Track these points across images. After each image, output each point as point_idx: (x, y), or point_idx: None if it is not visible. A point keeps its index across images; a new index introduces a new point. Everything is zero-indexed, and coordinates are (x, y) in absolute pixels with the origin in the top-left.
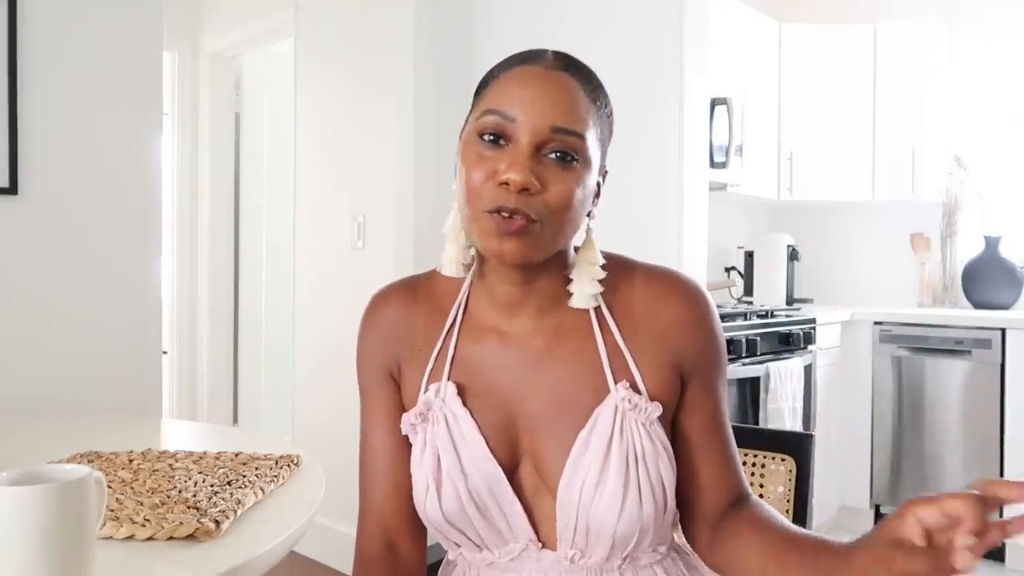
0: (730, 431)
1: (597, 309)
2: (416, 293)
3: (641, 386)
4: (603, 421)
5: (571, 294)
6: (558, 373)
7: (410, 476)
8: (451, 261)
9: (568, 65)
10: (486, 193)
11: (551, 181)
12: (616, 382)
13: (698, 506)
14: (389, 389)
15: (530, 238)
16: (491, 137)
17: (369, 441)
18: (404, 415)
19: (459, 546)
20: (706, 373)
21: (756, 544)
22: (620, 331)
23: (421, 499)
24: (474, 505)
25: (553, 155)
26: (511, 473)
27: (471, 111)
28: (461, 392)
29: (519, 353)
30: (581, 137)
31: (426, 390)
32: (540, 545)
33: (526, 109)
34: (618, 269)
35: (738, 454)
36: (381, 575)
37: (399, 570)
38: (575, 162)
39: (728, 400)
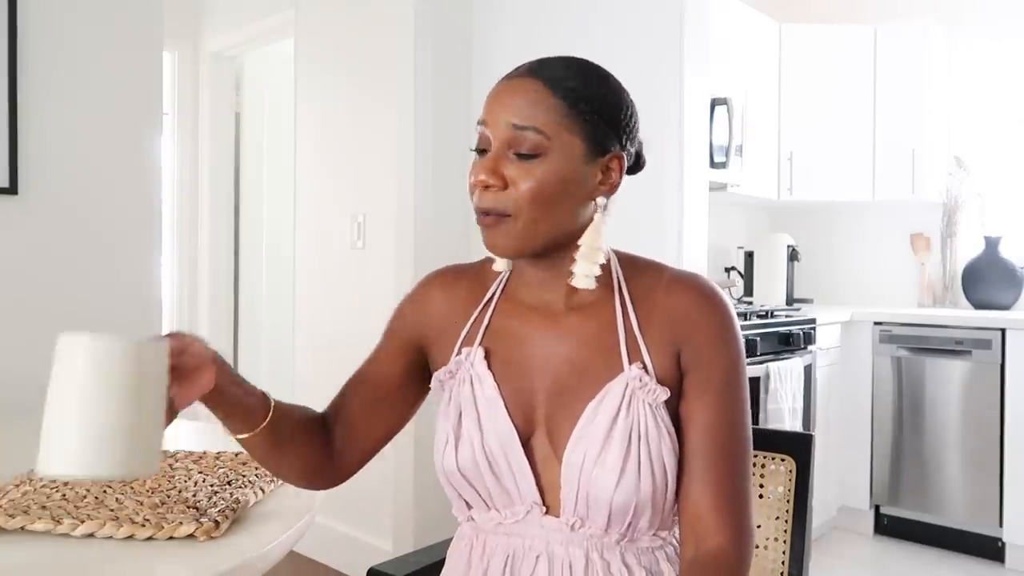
0: (734, 463)
1: (621, 298)
2: (463, 276)
3: (651, 370)
4: (612, 395)
5: (604, 282)
6: (578, 349)
7: (361, 401)
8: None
9: (535, 70)
10: (474, 196)
11: (517, 177)
12: (630, 363)
13: (678, 515)
14: (396, 342)
15: (505, 231)
16: (479, 150)
17: (367, 361)
18: (436, 372)
19: (470, 508)
20: (705, 374)
21: None
22: (638, 319)
23: (440, 450)
24: (487, 461)
25: (518, 153)
26: (526, 439)
27: None
28: (488, 357)
29: (546, 329)
30: (538, 131)
31: (458, 353)
32: (545, 510)
33: (492, 112)
34: (651, 270)
35: (741, 498)
36: (314, 420)
37: (324, 430)
38: (537, 156)
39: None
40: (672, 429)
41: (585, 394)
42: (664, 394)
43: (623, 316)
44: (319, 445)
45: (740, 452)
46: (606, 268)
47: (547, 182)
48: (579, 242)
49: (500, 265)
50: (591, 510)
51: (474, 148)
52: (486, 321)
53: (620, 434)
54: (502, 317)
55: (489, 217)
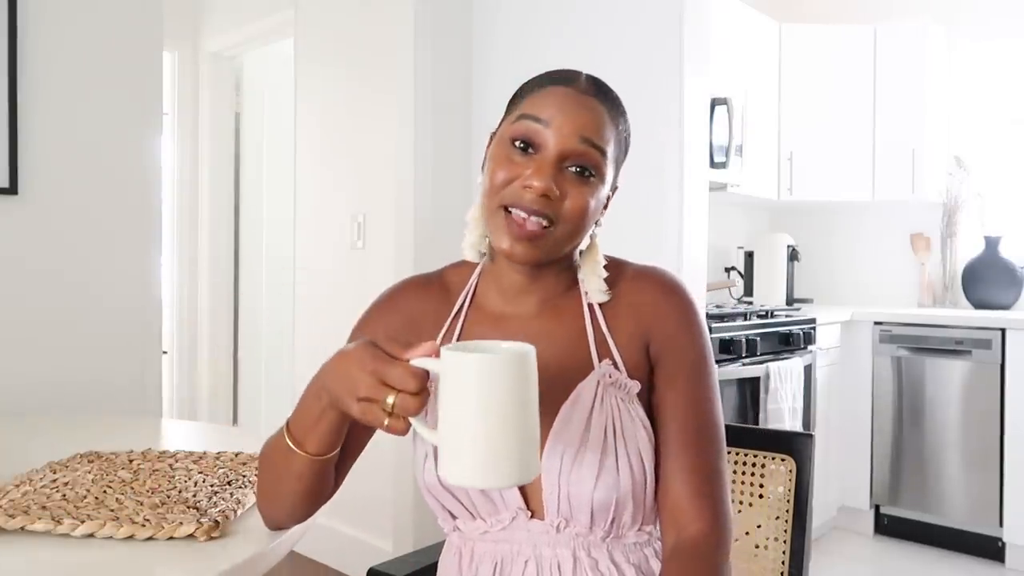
0: (709, 449)
1: (587, 297)
2: (429, 286)
3: (621, 366)
4: (585, 394)
5: (572, 286)
6: (549, 352)
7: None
8: (470, 247)
9: (598, 90)
10: (508, 193)
11: (569, 192)
12: (600, 360)
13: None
14: None
15: (542, 243)
16: (522, 144)
17: None
18: None
19: (455, 518)
20: (673, 362)
21: None
22: (605, 318)
23: (420, 465)
24: None
25: (574, 168)
26: None
27: (505, 115)
28: None
29: (516, 335)
30: (603, 153)
31: None
32: (530, 515)
33: (559, 117)
34: (613, 268)
35: (717, 483)
36: None
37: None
38: (592, 177)
39: (723, 413)
40: (647, 421)
41: (559, 396)
42: (636, 387)
43: (590, 315)
44: (332, 477)
45: (713, 437)
46: (571, 269)
47: (591, 204)
48: (580, 261)
49: (470, 256)
50: (574, 509)
51: (518, 140)
52: (457, 332)
53: (596, 432)
54: (472, 327)
55: (535, 222)
